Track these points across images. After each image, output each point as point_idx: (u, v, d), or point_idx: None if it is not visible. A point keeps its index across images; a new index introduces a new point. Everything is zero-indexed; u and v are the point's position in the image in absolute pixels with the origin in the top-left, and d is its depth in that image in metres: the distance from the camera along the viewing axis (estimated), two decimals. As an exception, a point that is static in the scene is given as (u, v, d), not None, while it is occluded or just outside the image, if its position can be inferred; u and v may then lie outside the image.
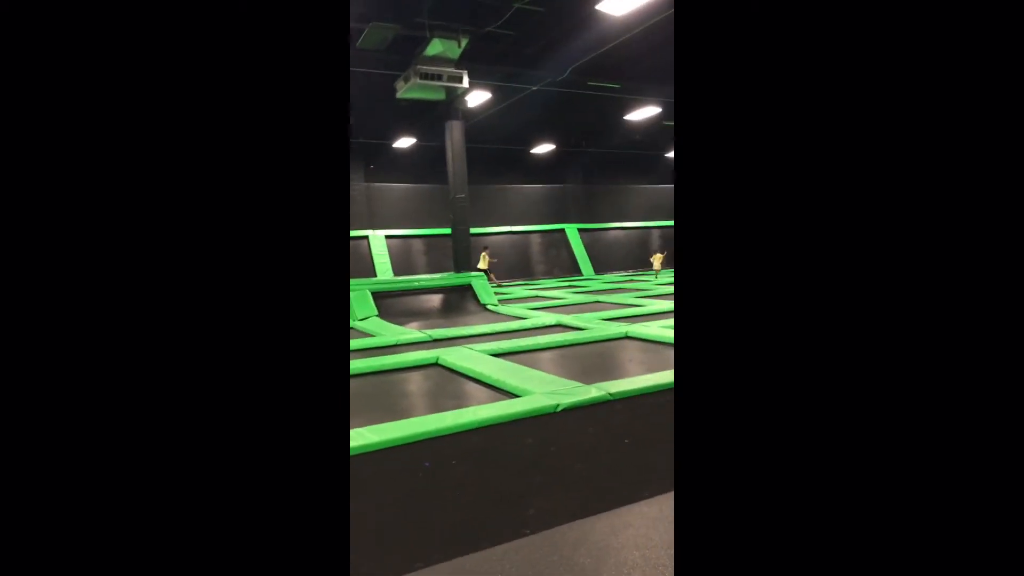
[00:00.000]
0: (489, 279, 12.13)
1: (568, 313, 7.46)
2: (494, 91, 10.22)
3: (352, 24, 7.15)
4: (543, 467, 2.37)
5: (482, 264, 12.13)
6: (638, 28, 7.75)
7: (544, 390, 3.42)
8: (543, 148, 16.10)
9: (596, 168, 18.06)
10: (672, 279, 12.78)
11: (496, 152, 15.57)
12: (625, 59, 9.06)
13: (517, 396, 3.44)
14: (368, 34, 7.48)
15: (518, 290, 11.66)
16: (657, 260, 13.91)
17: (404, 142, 13.88)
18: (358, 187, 14.45)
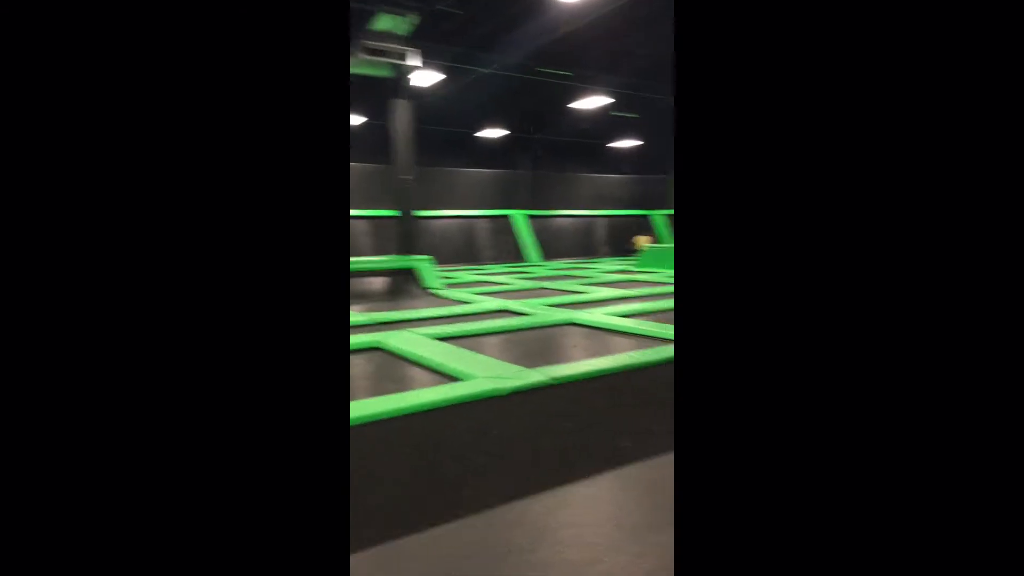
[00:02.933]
0: None
1: (513, 299, 7.49)
2: (444, 71, 10.05)
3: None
4: (483, 450, 2.38)
5: None
6: (590, 16, 7.78)
7: (487, 374, 3.42)
8: (493, 132, 16.02)
9: (545, 155, 18.13)
10: (618, 267, 13.05)
11: (444, 134, 15.37)
12: (577, 47, 9.09)
13: (460, 380, 3.43)
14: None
15: (464, 275, 11.61)
16: (641, 240, 14.89)
17: (352, 119, 13.48)
18: (300, 164, 13.94)
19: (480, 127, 15.72)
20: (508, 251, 16.74)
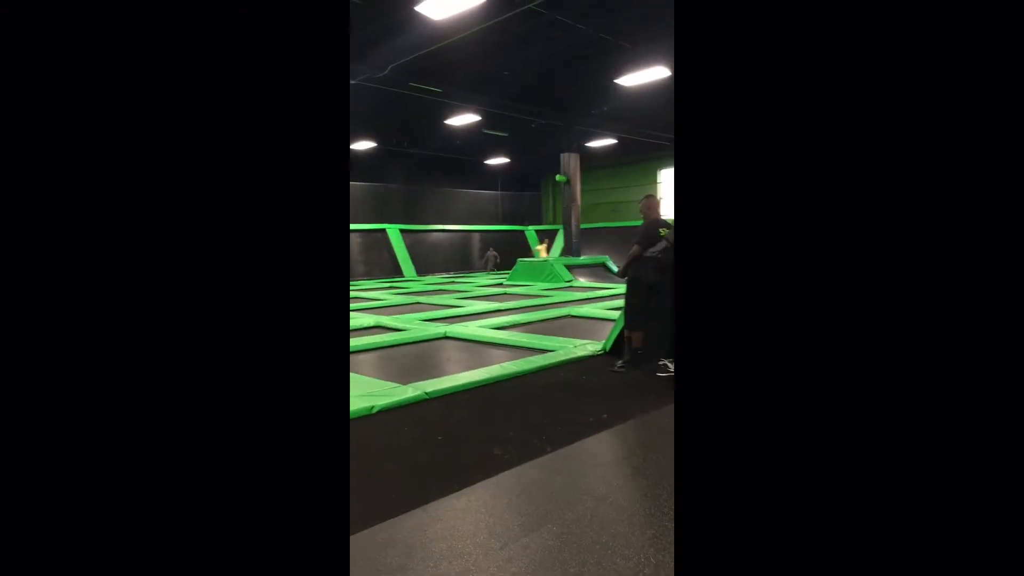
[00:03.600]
0: None
1: (388, 314, 7.34)
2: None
3: None
4: (354, 471, 2.30)
5: None
6: (459, 35, 7.93)
7: (359, 392, 3.32)
8: (364, 144, 15.64)
9: (419, 170, 18.06)
10: (492, 281, 13.29)
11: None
12: (447, 64, 9.21)
13: (329, 400, 3.29)
14: None
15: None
16: (542, 250, 16.12)
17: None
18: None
19: (351, 139, 15.26)
20: (382, 266, 16.37)
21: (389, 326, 6.21)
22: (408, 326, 6.07)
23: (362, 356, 4.82)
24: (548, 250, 16.46)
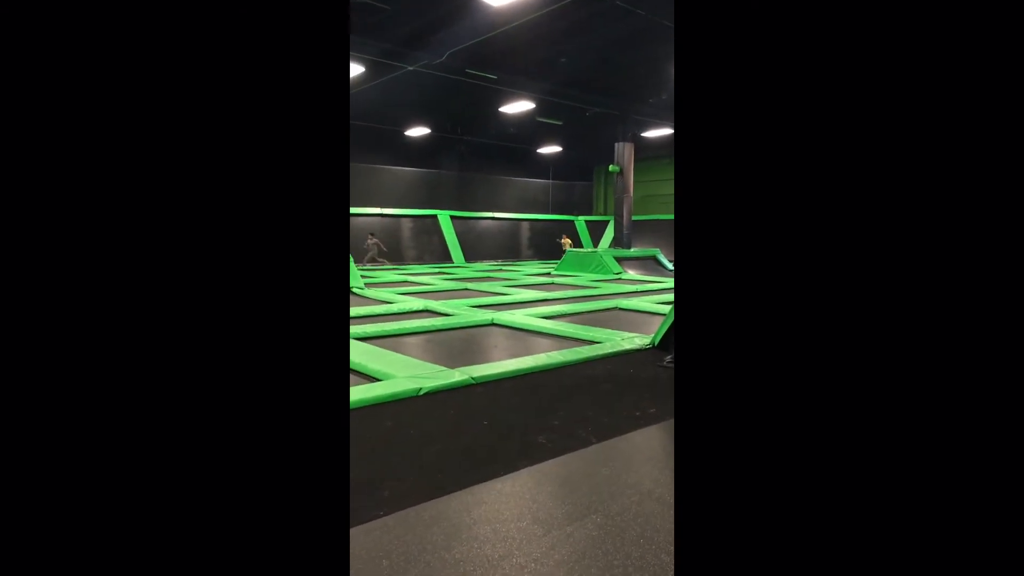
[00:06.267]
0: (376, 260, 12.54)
1: (436, 299, 7.44)
2: (368, 66, 9.83)
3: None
4: (401, 450, 2.36)
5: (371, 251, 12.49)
6: (517, 21, 7.89)
7: (407, 374, 3.39)
8: (418, 131, 15.83)
9: (471, 156, 18.15)
10: (541, 269, 13.28)
11: (369, 131, 15.03)
12: (504, 50, 9.18)
13: (380, 380, 3.38)
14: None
15: (387, 274, 11.40)
16: (566, 243, 16.17)
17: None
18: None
19: (406, 125, 15.49)
20: (432, 251, 16.60)
21: (437, 310, 6.30)
22: (456, 311, 6.15)
23: (410, 339, 4.91)
24: (573, 243, 16.60)
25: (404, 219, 16.39)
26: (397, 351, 4.11)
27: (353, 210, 14.64)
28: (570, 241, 16.55)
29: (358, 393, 2.99)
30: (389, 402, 3.00)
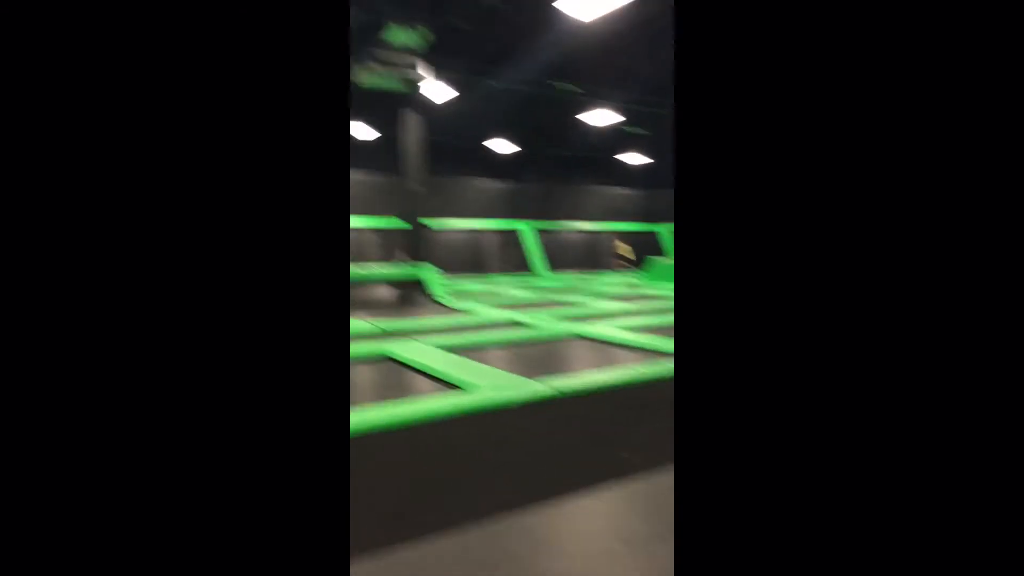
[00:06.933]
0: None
1: (520, 310, 7.51)
2: (455, 84, 10.17)
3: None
4: (486, 460, 2.41)
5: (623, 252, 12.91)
6: (602, 33, 7.87)
7: (491, 384, 3.45)
8: (502, 145, 16.13)
9: (554, 167, 18.22)
10: (625, 280, 13.05)
11: (454, 146, 15.50)
12: (590, 62, 9.19)
13: (464, 390, 3.46)
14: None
15: (470, 285, 11.65)
16: (622, 249, 15.89)
17: (364, 131, 13.62)
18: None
19: (490, 138, 15.84)
20: (515, 262, 16.78)
21: (521, 322, 6.36)
22: (539, 323, 6.17)
23: (494, 350, 4.99)
24: (630, 251, 15.99)
25: (488, 232, 16.71)
26: (482, 362, 4.20)
27: (436, 223, 15.11)
28: (627, 247, 15.91)
29: (444, 403, 3.08)
30: (474, 413, 3.06)
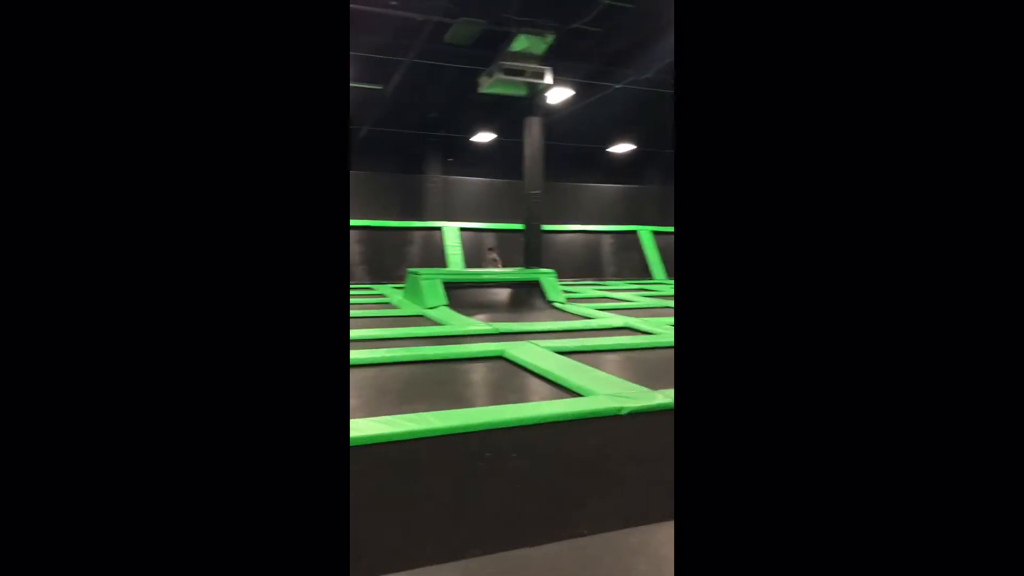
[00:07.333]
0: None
1: (637, 316, 7.31)
2: (576, 88, 10.15)
3: (439, 19, 7.30)
4: (603, 470, 2.34)
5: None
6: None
7: (608, 392, 3.36)
8: (621, 147, 15.84)
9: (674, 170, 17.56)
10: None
11: (573, 150, 15.48)
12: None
13: (580, 395, 3.41)
14: (455, 30, 7.61)
15: (586, 290, 11.55)
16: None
17: (482, 137, 14.05)
18: (435, 180, 14.78)
19: (609, 142, 15.63)
20: (632, 267, 16.40)
21: (638, 328, 6.18)
22: (657, 330, 5.96)
23: (610, 356, 4.88)
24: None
25: (604, 235, 16.49)
26: (597, 367, 4.12)
27: (552, 227, 15.18)
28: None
29: (560, 407, 3.05)
30: (590, 418, 3.00)
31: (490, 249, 13.95)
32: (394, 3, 7.12)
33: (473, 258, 14.57)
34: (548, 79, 8.35)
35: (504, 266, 14.27)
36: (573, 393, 3.51)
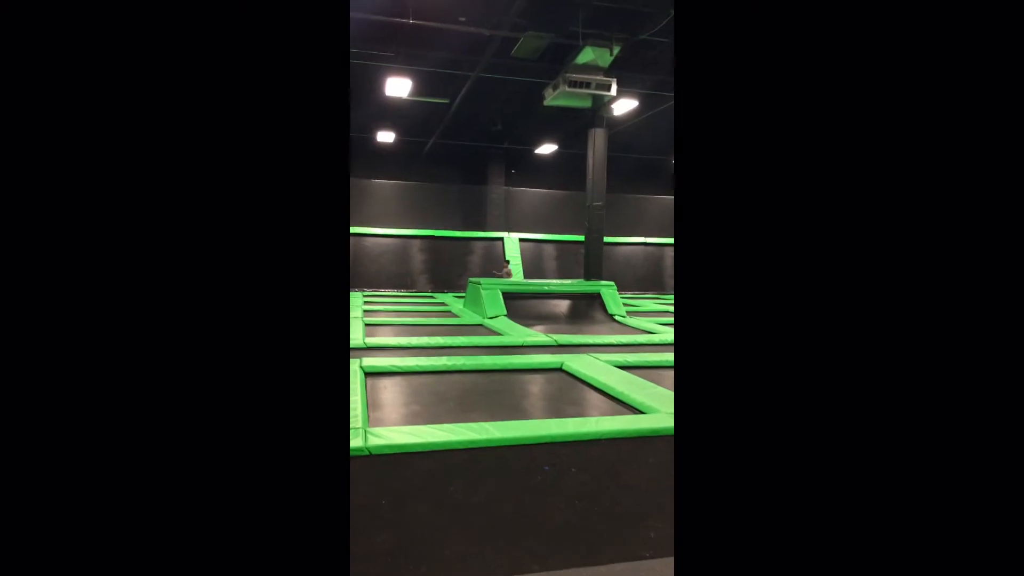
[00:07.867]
0: None
1: (700, 333, 7.09)
2: (641, 99, 10.04)
3: (506, 33, 7.41)
4: (666, 490, 2.27)
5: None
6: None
7: (670, 409, 3.27)
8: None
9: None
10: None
11: (635, 161, 15.29)
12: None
13: (641, 412, 3.33)
14: (523, 43, 7.70)
15: (647, 303, 11.32)
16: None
17: (545, 148, 14.11)
18: (498, 190, 14.94)
19: (671, 153, 15.32)
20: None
21: (702, 345, 5.99)
22: (722, 348, 5.76)
23: (671, 372, 4.75)
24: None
25: (666, 248, 16.16)
26: (658, 384, 4.02)
27: (613, 239, 15.00)
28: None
29: (621, 423, 3.00)
30: (651, 436, 2.93)
31: (507, 261, 14.06)
32: (463, 19, 7.29)
33: (532, 269, 14.60)
34: (613, 90, 8.30)
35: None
36: (634, 409, 3.44)
